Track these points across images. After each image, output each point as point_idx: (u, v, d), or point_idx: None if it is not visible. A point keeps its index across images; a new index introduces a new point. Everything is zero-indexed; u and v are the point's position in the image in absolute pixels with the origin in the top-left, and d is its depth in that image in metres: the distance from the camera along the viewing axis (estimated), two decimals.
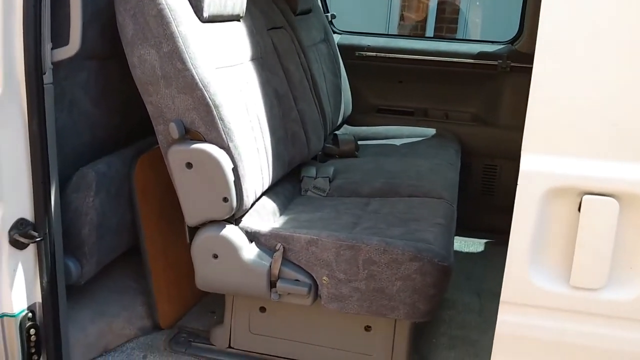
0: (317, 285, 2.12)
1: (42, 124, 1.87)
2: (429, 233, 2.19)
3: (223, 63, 2.27)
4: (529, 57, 3.80)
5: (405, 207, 2.51)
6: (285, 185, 2.70)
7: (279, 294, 2.12)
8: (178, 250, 2.63)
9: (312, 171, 2.86)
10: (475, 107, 3.97)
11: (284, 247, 2.12)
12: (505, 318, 1.36)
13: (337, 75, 3.72)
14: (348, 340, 2.25)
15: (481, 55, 3.89)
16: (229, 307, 2.37)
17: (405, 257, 2.00)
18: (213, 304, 2.73)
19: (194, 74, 2.05)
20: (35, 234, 1.91)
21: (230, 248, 2.12)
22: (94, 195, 2.16)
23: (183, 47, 2.04)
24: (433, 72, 3.99)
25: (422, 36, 8.43)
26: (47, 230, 1.94)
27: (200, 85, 2.06)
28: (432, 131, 3.80)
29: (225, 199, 2.09)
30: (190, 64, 2.05)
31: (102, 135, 2.38)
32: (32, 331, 1.98)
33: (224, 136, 2.09)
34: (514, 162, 3.82)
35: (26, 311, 1.96)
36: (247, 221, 2.22)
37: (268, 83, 2.61)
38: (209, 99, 2.07)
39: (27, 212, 1.91)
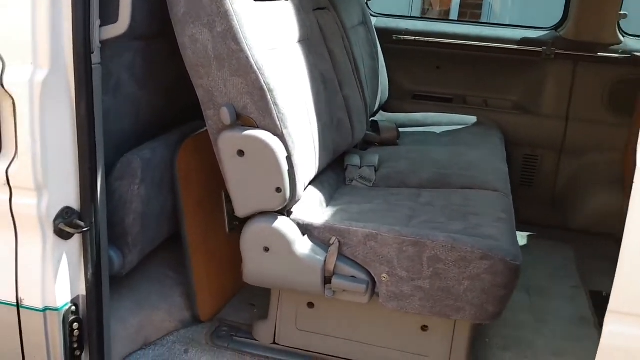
0: (374, 282, 2.00)
1: (90, 106, 1.75)
2: (492, 229, 2.07)
3: (274, 44, 2.14)
4: (574, 44, 3.67)
5: (461, 200, 2.38)
6: (330, 174, 2.58)
7: (333, 291, 2.01)
8: (218, 239, 2.52)
9: (357, 160, 2.74)
10: (517, 94, 3.84)
11: (339, 241, 2.00)
12: (614, 329, 1.23)
13: (375, 60, 3.58)
14: (403, 339, 2.14)
15: (524, 41, 3.74)
16: (275, 302, 2.25)
17: (475, 255, 1.88)
18: (253, 296, 2.62)
19: (249, 55, 1.92)
20: (82, 223, 1.80)
21: (283, 241, 2.00)
22: (139, 183, 2.05)
23: (238, 26, 1.91)
24: (473, 57, 3.85)
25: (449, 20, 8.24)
26: (93, 220, 1.83)
27: (255, 67, 1.93)
28: (472, 119, 3.66)
29: (279, 190, 1.97)
30: (245, 44, 1.92)
31: (146, 119, 2.26)
32: (76, 325, 1.88)
33: (278, 122, 1.97)
34: (555, 152, 3.76)
35: (70, 304, 1.85)
36: (298, 213, 2.10)
37: (315, 66, 2.48)
38: (263, 83, 1.94)
39: (72, 200, 1.80)
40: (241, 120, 1.97)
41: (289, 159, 1.98)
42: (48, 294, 1.80)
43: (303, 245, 2.01)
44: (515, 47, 3.76)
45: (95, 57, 1.76)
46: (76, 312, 1.88)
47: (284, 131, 1.98)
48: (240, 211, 2.04)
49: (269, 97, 1.95)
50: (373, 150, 3.01)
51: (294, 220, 2.06)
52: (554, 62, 3.68)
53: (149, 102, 2.25)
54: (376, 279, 1.99)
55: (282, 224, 2.02)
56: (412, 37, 3.88)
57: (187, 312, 2.43)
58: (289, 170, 1.97)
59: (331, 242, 2.01)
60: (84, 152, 1.77)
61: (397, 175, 2.66)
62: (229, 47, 1.90)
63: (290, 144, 1.99)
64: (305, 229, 2.05)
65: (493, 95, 3.89)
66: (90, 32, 1.71)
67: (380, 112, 3.76)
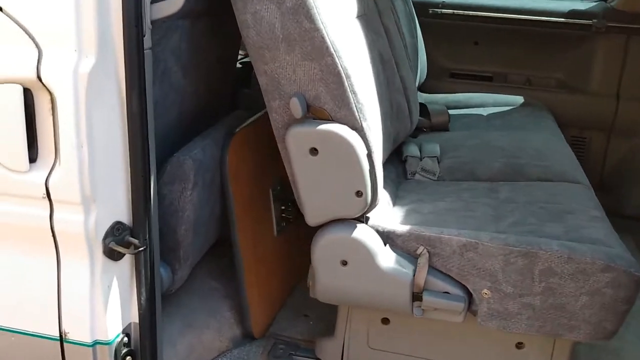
0: (470, 298, 1.73)
1: (143, 100, 1.45)
2: (595, 230, 1.80)
3: (341, 21, 1.83)
4: (627, 16, 3.38)
5: (544, 195, 2.11)
6: (390, 168, 2.29)
7: (423, 309, 1.74)
8: (266, 243, 2.24)
9: (415, 150, 2.45)
10: (562, 72, 3.55)
11: (428, 252, 1.73)
12: None
13: (414, 36, 3.27)
14: (494, 358, 1.88)
15: (572, 14, 3.44)
16: (343, 317, 1.98)
17: (596, 267, 1.61)
18: (303, 305, 2.34)
19: (325, 34, 1.62)
20: (135, 241, 1.51)
21: (365, 253, 1.72)
22: (192, 188, 1.75)
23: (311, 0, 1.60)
24: (514, 32, 3.55)
25: None
26: (147, 236, 1.54)
27: (332, 49, 1.62)
28: (519, 99, 3.38)
29: (359, 193, 1.68)
30: (319, 22, 1.61)
31: (189, 111, 1.96)
32: (129, 359, 1.59)
33: (356, 114, 1.67)
34: (605, 133, 3.49)
35: (121, 335, 1.57)
36: (375, 218, 1.82)
37: (374, 45, 2.17)
38: (340, 67, 1.64)
39: (123, 213, 1.50)
40: (312, 112, 1.68)
41: (369, 156, 1.69)
42: (98, 326, 1.51)
43: (387, 258, 1.74)
44: (562, 20, 3.47)
45: (147, 41, 1.45)
46: (128, 344, 1.59)
47: (364, 124, 1.69)
48: (312, 219, 1.75)
49: (346, 84, 1.65)
50: (426, 137, 2.72)
51: (372, 227, 1.78)
52: (605, 36, 3.39)
53: (192, 91, 1.95)
54: (474, 295, 1.72)
55: (363, 233, 1.73)
56: (450, 11, 3.57)
57: (238, 329, 2.15)
58: (370, 170, 1.69)
59: (418, 252, 1.73)
60: (136, 155, 1.47)
61: (463, 166, 2.38)
62: (301, 25, 1.60)
63: (370, 138, 1.70)
64: (387, 237, 1.77)
65: (536, 72, 3.60)
66: (142, 10, 1.40)
67: (418, 93, 3.47)
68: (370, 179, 1.69)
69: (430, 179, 2.33)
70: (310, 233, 1.82)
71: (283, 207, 2.30)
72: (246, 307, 2.12)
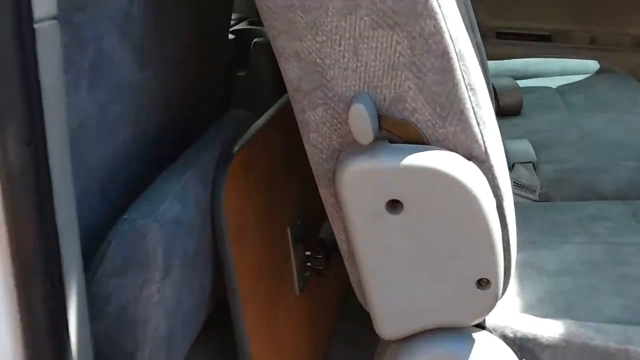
0: None
1: (36, 138, 0.63)
2: None
3: None
4: None
5: None
6: None
7: None
8: (285, 309, 1.45)
9: None
10: (638, 26, 2.81)
11: None
12: None
13: None
14: None
15: None
16: None
17: None
18: None
19: None
20: None
21: None
22: (160, 278, 0.93)
23: None
24: None
25: None
26: None
27: (433, 2, 0.80)
28: (593, 64, 2.62)
29: (484, 282, 0.88)
30: None
31: (151, 127, 1.12)
32: None
33: (476, 129, 0.86)
34: None
35: None
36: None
37: None
38: (449, 39, 0.82)
39: None
40: (388, 129, 0.86)
41: (500, 208, 0.89)
42: None
43: None
44: None
45: (42, 4, 0.62)
46: None
47: (488, 148, 0.87)
48: (389, 330, 0.93)
49: (459, 72, 0.83)
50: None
51: (495, 332, 0.98)
52: None
53: (155, 91, 1.11)
54: None
55: (487, 348, 0.94)
56: None
57: None
58: (503, 238, 0.88)
59: None
60: (26, 257, 0.66)
61: (574, 175, 1.60)
62: None
63: (498, 174, 0.89)
64: (520, 348, 0.98)
65: (603, 28, 2.90)
66: None
67: None
68: (504, 254, 0.88)
69: (530, 198, 1.55)
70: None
71: (308, 253, 1.51)
72: None
